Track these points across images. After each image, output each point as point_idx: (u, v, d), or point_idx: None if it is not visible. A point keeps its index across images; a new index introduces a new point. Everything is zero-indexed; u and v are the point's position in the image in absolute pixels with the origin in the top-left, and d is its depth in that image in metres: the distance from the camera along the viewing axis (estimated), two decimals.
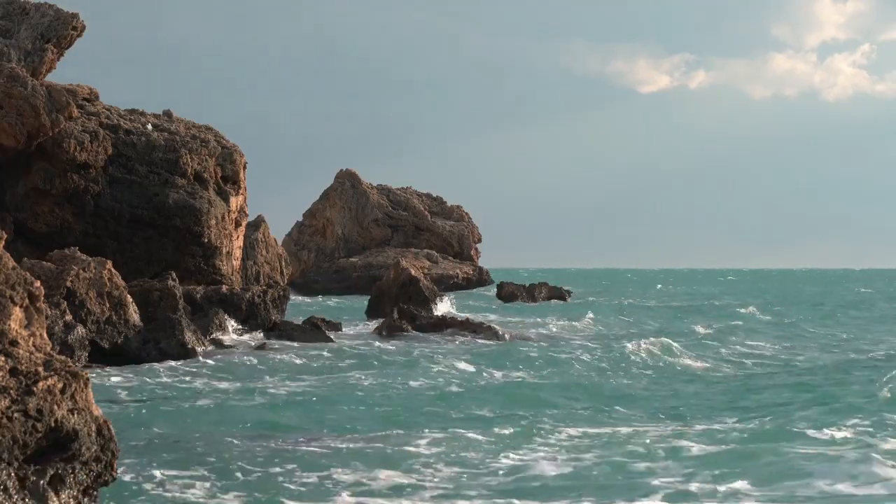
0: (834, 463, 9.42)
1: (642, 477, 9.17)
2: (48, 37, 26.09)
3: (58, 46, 26.32)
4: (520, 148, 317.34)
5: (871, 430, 11.33)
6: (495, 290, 57.68)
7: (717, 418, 12.76)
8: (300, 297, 51.27)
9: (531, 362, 19.53)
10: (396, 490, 8.81)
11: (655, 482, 8.91)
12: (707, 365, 19.92)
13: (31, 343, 6.00)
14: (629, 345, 21.57)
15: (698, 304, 48.84)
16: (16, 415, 5.53)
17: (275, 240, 40.26)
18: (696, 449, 10.30)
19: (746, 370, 19.29)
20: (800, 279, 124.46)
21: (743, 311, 39.67)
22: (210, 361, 18.62)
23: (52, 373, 5.81)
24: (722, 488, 8.66)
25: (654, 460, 9.85)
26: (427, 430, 11.57)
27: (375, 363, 19.21)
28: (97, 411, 5.99)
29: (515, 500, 8.42)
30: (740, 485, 8.76)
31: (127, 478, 8.83)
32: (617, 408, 13.67)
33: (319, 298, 53.05)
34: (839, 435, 10.84)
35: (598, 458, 9.98)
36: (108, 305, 19.64)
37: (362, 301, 37.12)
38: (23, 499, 5.48)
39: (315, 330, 23.93)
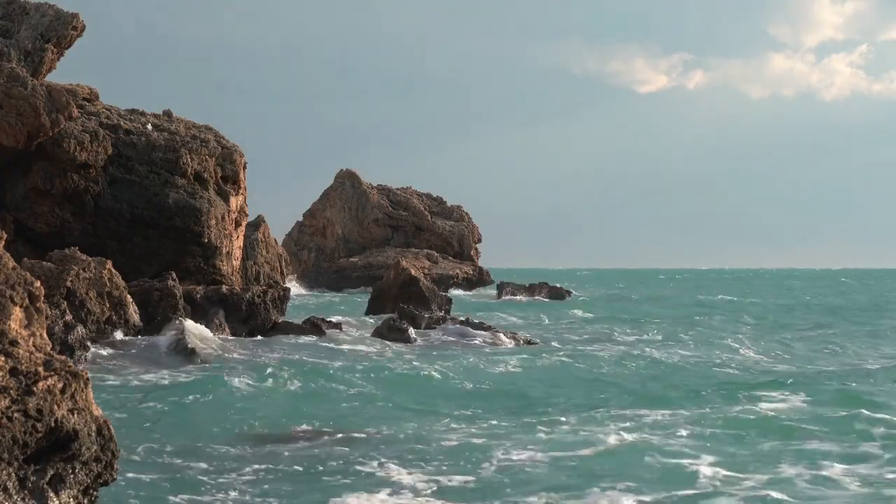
0: None
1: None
2: (48, 37, 26.08)
3: (58, 46, 26.31)
4: (519, 147, 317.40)
5: None
6: (495, 289, 57.77)
7: None
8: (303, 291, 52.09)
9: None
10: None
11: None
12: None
13: (31, 343, 5.99)
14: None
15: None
16: (16, 415, 5.52)
17: (275, 240, 40.26)
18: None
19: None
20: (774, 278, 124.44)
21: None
22: (214, 361, 18.62)
23: (52, 373, 5.80)
24: None
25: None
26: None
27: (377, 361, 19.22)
28: (97, 411, 5.98)
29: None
30: None
31: (145, 478, 8.88)
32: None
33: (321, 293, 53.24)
34: None
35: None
36: (108, 305, 19.65)
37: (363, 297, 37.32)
38: (23, 499, 5.47)
39: (315, 330, 23.91)
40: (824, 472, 9.43)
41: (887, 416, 12.36)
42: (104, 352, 18.98)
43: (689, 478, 9.25)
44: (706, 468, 9.56)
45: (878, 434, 11.33)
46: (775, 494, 8.57)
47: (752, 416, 12.61)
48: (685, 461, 9.93)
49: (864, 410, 12.68)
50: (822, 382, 16.14)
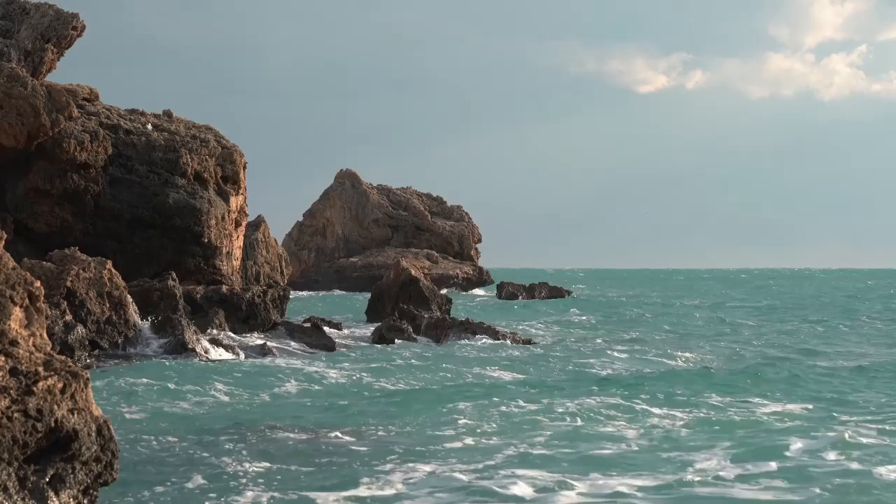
0: None
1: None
2: (48, 37, 26.08)
3: (58, 46, 26.31)
4: (519, 147, 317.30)
5: None
6: (496, 289, 57.77)
7: None
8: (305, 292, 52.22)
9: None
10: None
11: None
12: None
13: (31, 343, 5.99)
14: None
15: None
16: (16, 415, 5.52)
17: (275, 240, 40.21)
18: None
19: None
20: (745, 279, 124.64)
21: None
22: (214, 362, 18.62)
23: (52, 373, 5.80)
24: None
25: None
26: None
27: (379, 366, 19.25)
28: (97, 411, 5.97)
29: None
30: None
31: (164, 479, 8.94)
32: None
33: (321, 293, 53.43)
34: None
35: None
36: (108, 305, 19.65)
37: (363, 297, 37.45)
38: (23, 499, 5.47)
39: (316, 330, 23.91)
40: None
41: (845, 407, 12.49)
42: (104, 352, 19.01)
43: (684, 465, 9.39)
44: (699, 456, 9.68)
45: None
46: (777, 482, 8.64)
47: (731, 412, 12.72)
48: (682, 450, 10.06)
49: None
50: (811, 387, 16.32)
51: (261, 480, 9.04)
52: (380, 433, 11.48)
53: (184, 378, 16.32)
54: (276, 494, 8.52)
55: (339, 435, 11.31)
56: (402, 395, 14.80)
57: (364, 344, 23.74)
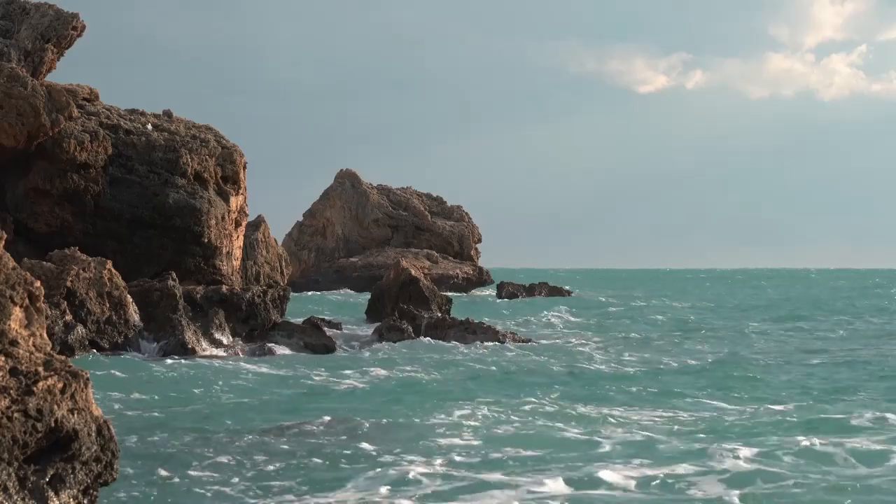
0: None
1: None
2: (48, 37, 26.09)
3: (58, 46, 26.31)
4: (519, 147, 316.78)
5: None
6: (496, 289, 57.81)
7: None
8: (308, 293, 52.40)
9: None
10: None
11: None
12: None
13: (31, 343, 5.99)
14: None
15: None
16: (16, 415, 5.52)
17: (275, 240, 40.19)
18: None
19: None
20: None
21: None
22: (216, 363, 18.63)
23: (52, 373, 5.80)
24: None
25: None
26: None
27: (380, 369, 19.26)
28: (97, 411, 5.98)
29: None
30: None
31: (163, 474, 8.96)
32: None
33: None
34: None
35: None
36: (108, 305, 19.66)
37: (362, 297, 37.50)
38: (23, 499, 5.47)
39: (315, 330, 23.91)
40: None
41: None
42: (103, 352, 19.02)
43: (681, 462, 9.41)
44: (696, 453, 9.71)
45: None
46: (774, 480, 8.67)
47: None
48: (679, 448, 10.11)
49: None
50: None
51: (262, 479, 9.07)
52: (380, 432, 11.52)
53: (183, 378, 16.35)
54: (276, 493, 8.54)
55: (339, 433, 11.35)
56: (402, 394, 14.83)
57: (364, 344, 23.75)
